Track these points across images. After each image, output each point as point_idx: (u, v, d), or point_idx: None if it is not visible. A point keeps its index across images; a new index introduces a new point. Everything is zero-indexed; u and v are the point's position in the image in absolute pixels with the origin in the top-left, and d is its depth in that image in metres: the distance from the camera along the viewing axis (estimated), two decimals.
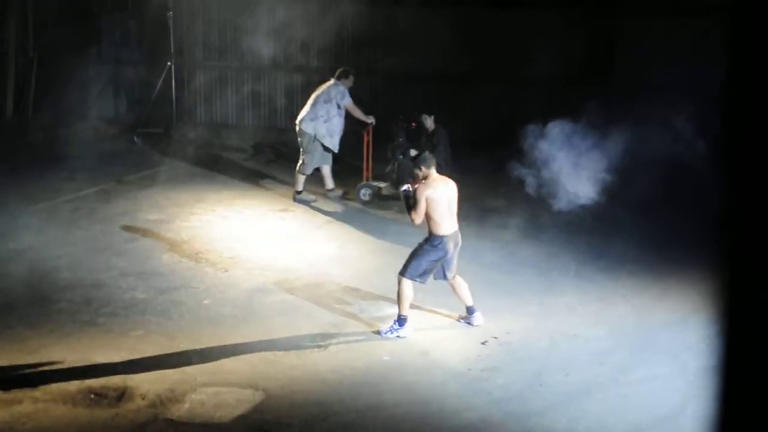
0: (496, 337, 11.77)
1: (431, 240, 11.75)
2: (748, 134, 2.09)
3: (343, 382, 10.62)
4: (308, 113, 17.19)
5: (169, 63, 21.86)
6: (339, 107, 17.19)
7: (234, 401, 10.15)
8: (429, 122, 17.39)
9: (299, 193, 17.33)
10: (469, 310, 12.12)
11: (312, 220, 16.45)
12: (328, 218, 16.50)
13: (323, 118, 17.11)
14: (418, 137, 17.42)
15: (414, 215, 11.70)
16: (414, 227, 12.16)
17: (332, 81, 17.37)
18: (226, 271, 13.91)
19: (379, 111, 18.05)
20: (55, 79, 22.80)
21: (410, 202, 11.77)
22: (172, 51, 21.96)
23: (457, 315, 12.27)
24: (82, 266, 14.03)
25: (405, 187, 11.95)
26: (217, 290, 13.21)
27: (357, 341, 11.70)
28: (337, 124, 17.21)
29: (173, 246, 14.90)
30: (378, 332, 11.84)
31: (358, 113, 17.28)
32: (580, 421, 9.93)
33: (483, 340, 11.69)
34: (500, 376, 10.80)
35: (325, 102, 17.19)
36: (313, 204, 17.18)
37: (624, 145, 14.86)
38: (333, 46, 21.86)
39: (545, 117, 13.87)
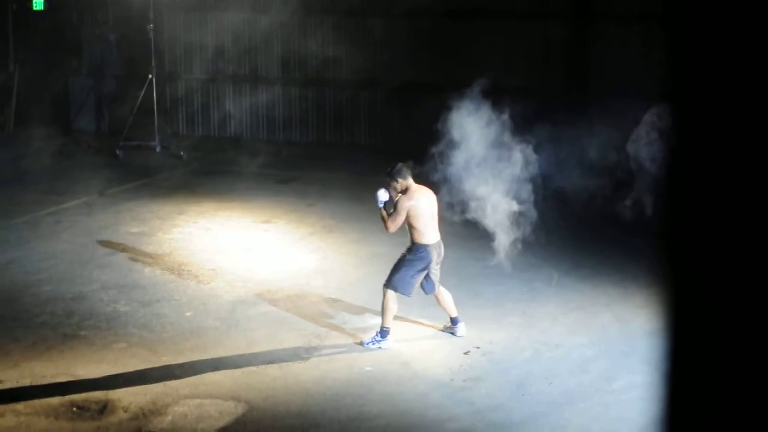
0: (478, 347, 11.78)
1: (415, 250, 11.75)
2: (689, 140, 2.11)
3: (325, 393, 10.62)
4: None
5: (150, 75, 21.84)
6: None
7: (216, 413, 10.15)
8: None
9: None
10: (453, 321, 12.12)
11: (294, 231, 16.43)
12: (311, 230, 16.49)
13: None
14: None
15: (391, 224, 11.70)
16: (391, 237, 12.18)
17: None
18: (209, 283, 13.90)
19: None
20: (37, 92, 22.77)
21: (386, 212, 11.77)
22: (153, 64, 21.93)
23: (440, 325, 12.27)
24: (65, 279, 14.00)
25: (383, 199, 11.90)
26: (199, 302, 13.19)
27: (339, 352, 11.70)
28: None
29: (155, 258, 14.87)
30: (361, 343, 11.84)
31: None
32: (562, 430, 9.97)
33: (466, 351, 11.70)
34: (483, 386, 10.81)
35: None
36: None
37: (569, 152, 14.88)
38: (308, 58, 22.04)
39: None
